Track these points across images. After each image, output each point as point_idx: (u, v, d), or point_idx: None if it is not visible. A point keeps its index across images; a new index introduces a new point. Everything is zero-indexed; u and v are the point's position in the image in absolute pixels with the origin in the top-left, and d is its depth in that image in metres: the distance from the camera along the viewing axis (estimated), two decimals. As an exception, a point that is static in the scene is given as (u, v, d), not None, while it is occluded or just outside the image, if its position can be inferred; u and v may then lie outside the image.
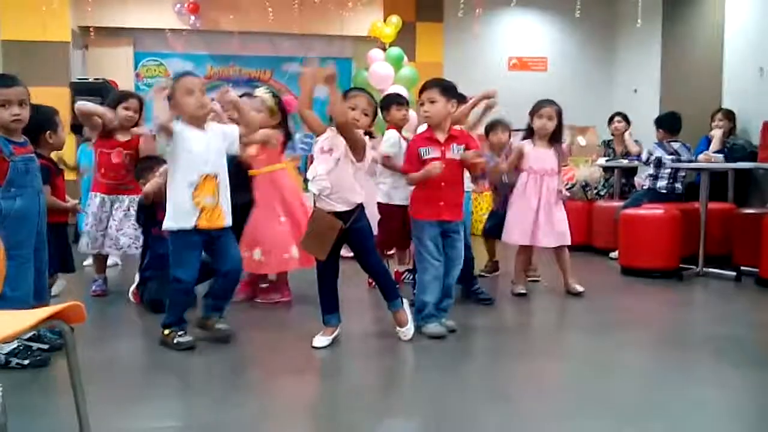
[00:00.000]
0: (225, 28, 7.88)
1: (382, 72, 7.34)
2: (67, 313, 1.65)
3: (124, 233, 4.20)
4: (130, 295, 4.10)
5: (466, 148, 3.34)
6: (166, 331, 3.16)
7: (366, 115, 3.12)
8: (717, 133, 5.86)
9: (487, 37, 8.75)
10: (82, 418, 1.74)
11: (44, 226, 3.04)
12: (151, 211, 3.92)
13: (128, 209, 4.21)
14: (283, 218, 3.95)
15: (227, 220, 3.19)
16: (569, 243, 4.30)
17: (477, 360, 3.18)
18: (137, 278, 4.07)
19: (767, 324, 3.81)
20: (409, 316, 3.27)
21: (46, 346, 3.03)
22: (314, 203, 3.14)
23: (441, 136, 3.34)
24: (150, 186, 3.84)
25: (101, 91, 6.94)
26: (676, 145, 5.46)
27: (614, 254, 5.37)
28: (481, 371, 2.96)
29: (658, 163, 5.41)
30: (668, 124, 5.67)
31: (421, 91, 3.41)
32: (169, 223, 3.11)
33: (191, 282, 3.18)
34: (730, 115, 6.13)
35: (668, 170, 5.38)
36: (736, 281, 4.76)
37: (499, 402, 2.54)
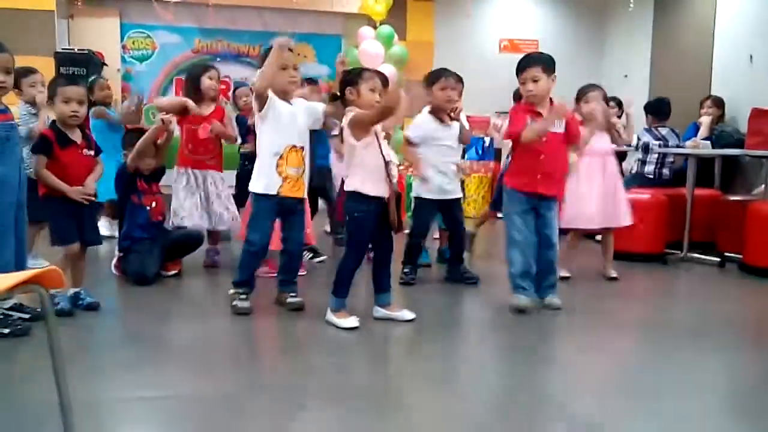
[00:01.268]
0: (214, 1, 7.75)
1: (373, 51, 7.26)
2: (44, 277, 1.61)
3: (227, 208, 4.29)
4: (112, 267, 4.06)
5: (568, 124, 3.41)
6: (232, 291, 3.31)
7: (381, 96, 3.08)
8: (705, 120, 5.87)
9: (479, 18, 8.68)
10: (61, 383, 1.72)
11: (24, 195, 2.99)
12: (132, 179, 3.89)
13: (217, 185, 4.29)
14: None
15: (305, 192, 3.34)
16: (630, 222, 4.36)
17: (466, 342, 3.19)
18: (116, 250, 4.04)
19: (749, 309, 3.85)
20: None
21: (27, 316, 3.00)
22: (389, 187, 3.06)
23: (544, 111, 3.38)
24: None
25: (86, 62, 6.82)
26: (664, 131, 5.47)
27: (599, 237, 5.39)
28: (466, 352, 2.96)
29: (646, 149, 5.42)
30: (656, 109, 5.67)
31: (521, 69, 3.40)
32: (255, 186, 3.25)
33: (262, 246, 3.29)
34: (719, 102, 6.14)
35: (656, 155, 5.39)
36: (719, 267, 4.80)
37: (483, 384, 2.54)
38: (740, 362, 2.85)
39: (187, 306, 3.36)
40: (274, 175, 3.20)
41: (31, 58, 5.91)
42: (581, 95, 4.28)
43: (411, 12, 8.49)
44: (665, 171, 5.46)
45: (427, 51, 8.35)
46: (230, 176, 4.61)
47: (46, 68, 6.46)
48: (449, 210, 4.06)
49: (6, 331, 2.83)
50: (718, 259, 4.85)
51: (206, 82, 4.21)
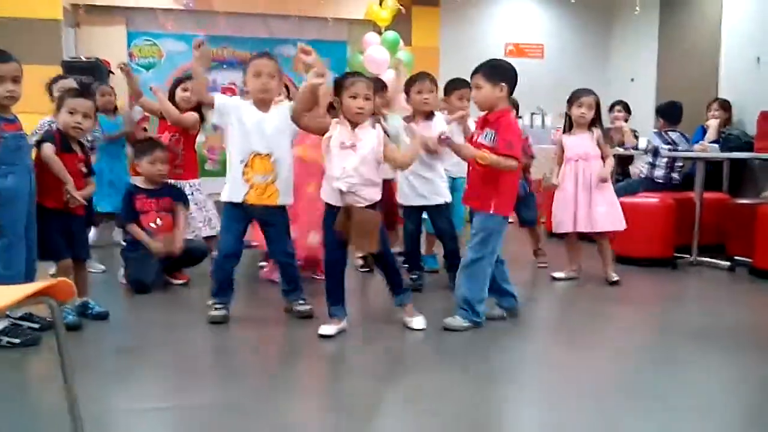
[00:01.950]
0: (219, 8, 7.77)
1: (378, 56, 7.27)
2: (55, 289, 1.62)
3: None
4: (120, 277, 4.07)
5: (498, 135, 3.20)
6: (209, 301, 3.30)
7: (368, 99, 2.99)
8: (713, 123, 5.85)
9: (484, 23, 8.68)
10: (70, 394, 1.71)
11: (34, 205, 3.00)
12: (130, 199, 3.96)
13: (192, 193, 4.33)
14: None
15: (281, 199, 3.26)
16: (621, 228, 4.34)
17: (475, 348, 3.17)
18: (122, 260, 4.05)
19: (760, 313, 3.82)
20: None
21: (37, 326, 3.00)
22: (340, 201, 3.01)
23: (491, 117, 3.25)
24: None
25: (93, 70, 6.84)
26: (673, 135, 5.44)
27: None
28: (475, 358, 2.95)
29: (655, 152, 5.40)
30: (667, 113, 5.65)
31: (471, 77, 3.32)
32: (222, 194, 3.27)
33: (229, 254, 3.26)
34: (726, 105, 6.11)
35: (665, 159, 5.37)
36: (729, 271, 4.77)
37: (498, 388, 2.53)
38: (751, 367, 2.82)
39: (195, 315, 3.34)
40: (240, 183, 3.19)
41: (38, 66, 5.95)
42: (574, 99, 4.28)
43: (416, 18, 8.49)
44: (675, 175, 5.44)
45: (432, 56, 8.34)
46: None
47: (53, 77, 6.51)
48: (433, 216, 3.98)
49: (16, 340, 2.83)
50: (728, 263, 4.82)
51: (179, 93, 4.31)
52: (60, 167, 3.14)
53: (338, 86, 3.01)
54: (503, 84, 3.19)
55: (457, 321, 3.20)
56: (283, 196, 3.26)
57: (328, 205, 3.07)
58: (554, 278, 4.39)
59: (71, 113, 3.19)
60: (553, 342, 3.21)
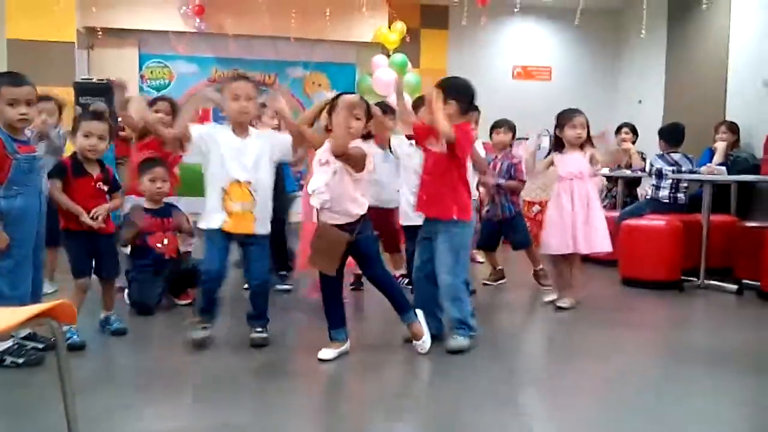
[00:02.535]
0: (230, 31, 7.89)
1: (386, 78, 7.34)
2: (57, 311, 1.63)
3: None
4: (125, 297, 4.09)
5: (456, 141, 3.21)
6: (193, 318, 3.26)
7: (358, 119, 3.03)
8: (720, 146, 5.84)
9: (492, 46, 8.75)
10: (70, 415, 1.73)
11: (43, 226, 3.04)
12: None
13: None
14: None
15: (259, 228, 3.22)
16: (609, 249, 4.27)
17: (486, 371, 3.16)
18: (125, 281, 4.08)
19: (768, 337, 3.78)
20: (425, 327, 3.19)
21: (41, 345, 3.02)
22: (317, 217, 3.10)
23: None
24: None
25: (105, 91, 6.94)
26: (676, 156, 5.44)
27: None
28: (477, 380, 2.94)
29: (659, 174, 5.39)
30: (669, 135, 5.65)
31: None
32: (200, 222, 3.25)
33: (211, 274, 3.20)
34: (734, 128, 6.10)
35: (669, 181, 5.36)
36: (737, 294, 4.73)
37: (504, 412, 2.51)
38: (759, 391, 2.79)
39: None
40: (219, 211, 3.16)
41: (51, 88, 6.05)
42: (566, 120, 4.21)
43: (424, 40, 8.59)
44: (680, 195, 5.42)
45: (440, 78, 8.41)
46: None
47: (67, 98, 6.61)
48: None
49: (20, 360, 2.85)
50: (736, 287, 4.79)
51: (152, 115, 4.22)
52: (67, 203, 3.18)
53: (332, 105, 3.02)
54: (452, 102, 3.22)
55: (459, 341, 3.18)
56: (259, 224, 3.22)
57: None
58: (559, 308, 4.17)
59: (86, 136, 3.25)
60: (556, 366, 3.18)
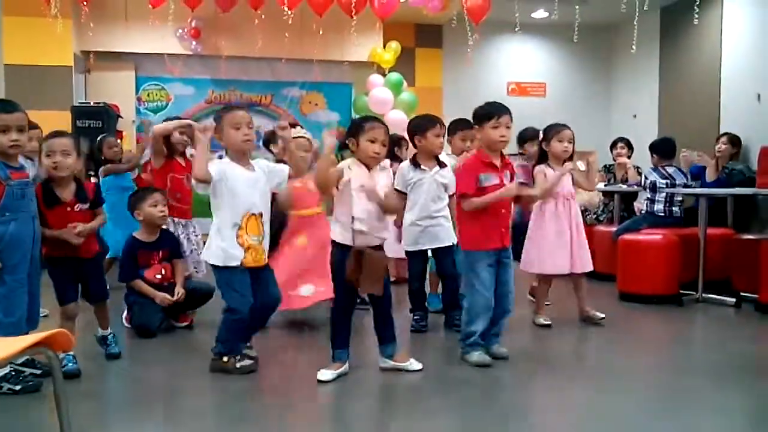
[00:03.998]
0: (226, 53, 7.95)
1: (382, 97, 7.39)
2: (53, 340, 1.64)
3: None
4: (123, 320, 4.09)
5: (512, 174, 3.38)
6: (225, 359, 3.15)
7: (384, 145, 3.07)
8: (710, 164, 5.86)
9: (486, 63, 8.82)
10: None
11: (38, 251, 3.03)
12: (132, 253, 4.02)
13: (196, 232, 4.41)
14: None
15: (266, 257, 3.23)
16: (590, 269, 4.28)
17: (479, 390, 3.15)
18: (125, 304, 4.08)
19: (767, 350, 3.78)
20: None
21: (38, 371, 3.01)
22: (352, 242, 3.03)
23: (498, 162, 3.33)
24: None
25: (102, 115, 7.00)
26: (670, 170, 5.47)
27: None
28: (477, 400, 2.93)
29: (653, 188, 5.41)
30: (661, 149, 5.68)
31: (495, 114, 3.33)
32: (213, 258, 3.12)
33: (244, 313, 3.12)
34: (735, 140, 6.11)
35: (664, 194, 5.38)
36: (735, 307, 4.73)
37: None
38: (762, 406, 2.78)
39: (198, 361, 3.33)
40: (235, 247, 3.09)
41: (48, 112, 6.09)
42: (554, 134, 4.19)
43: (419, 59, 8.66)
44: (675, 209, 5.44)
45: (435, 96, 8.48)
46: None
47: (64, 122, 6.66)
48: (439, 257, 4.01)
49: (18, 387, 2.84)
50: (734, 300, 4.79)
51: (175, 136, 4.25)
52: (42, 231, 3.05)
53: (357, 128, 3.07)
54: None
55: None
56: (266, 253, 3.24)
57: (339, 245, 3.07)
58: (542, 325, 4.14)
59: (48, 155, 3.11)
60: (556, 384, 3.17)
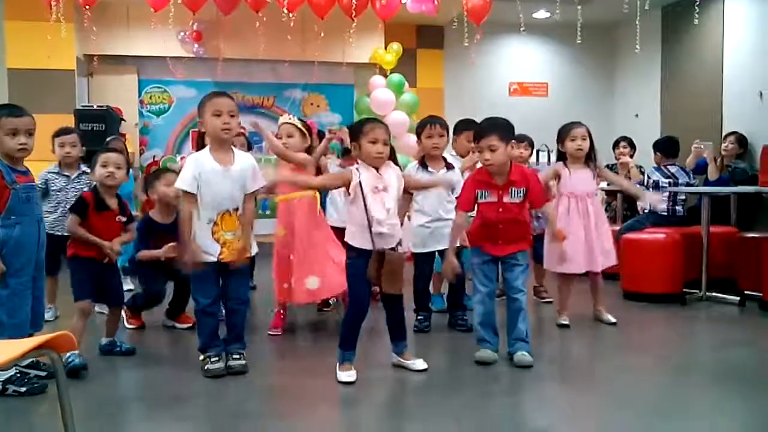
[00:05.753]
0: (228, 55, 7.95)
1: (384, 98, 7.39)
2: (56, 342, 1.64)
3: None
4: (125, 323, 4.08)
5: (527, 191, 3.31)
6: (201, 357, 3.21)
7: (386, 144, 3.07)
8: (711, 165, 5.85)
9: (488, 64, 8.80)
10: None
11: (43, 254, 3.05)
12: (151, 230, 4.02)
13: None
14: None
15: (253, 250, 3.27)
16: (615, 263, 4.31)
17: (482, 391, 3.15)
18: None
19: (771, 349, 3.77)
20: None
21: (43, 373, 3.02)
22: (372, 245, 3.02)
23: (500, 181, 3.31)
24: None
25: (105, 118, 7.00)
26: (673, 169, 5.47)
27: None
28: (477, 403, 2.93)
29: (656, 186, 5.41)
30: (665, 147, 5.68)
31: (478, 137, 3.31)
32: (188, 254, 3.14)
33: (209, 304, 3.17)
34: (741, 139, 6.11)
35: (667, 193, 5.37)
36: (739, 306, 4.72)
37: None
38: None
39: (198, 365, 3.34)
40: (210, 242, 3.10)
41: (51, 116, 6.09)
42: (566, 134, 4.18)
43: (421, 60, 8.65)
44: (678, 208, 5.44)
45: (437, 97, 8.48)
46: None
47: (66, 125, 6.65)
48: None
49: (23, 389, 2.85)
50: (738, 298, 4.78)
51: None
52: (86, 237, 3.31)
53: (356, 132, 3.08)
54: (513, 141, 3.40)
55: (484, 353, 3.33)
56: (252, 246, 3.26)
57: (358, 250, 3.04)
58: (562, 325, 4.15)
59: (104, 165, 3.38)
60: (561, 385, 3.17)
